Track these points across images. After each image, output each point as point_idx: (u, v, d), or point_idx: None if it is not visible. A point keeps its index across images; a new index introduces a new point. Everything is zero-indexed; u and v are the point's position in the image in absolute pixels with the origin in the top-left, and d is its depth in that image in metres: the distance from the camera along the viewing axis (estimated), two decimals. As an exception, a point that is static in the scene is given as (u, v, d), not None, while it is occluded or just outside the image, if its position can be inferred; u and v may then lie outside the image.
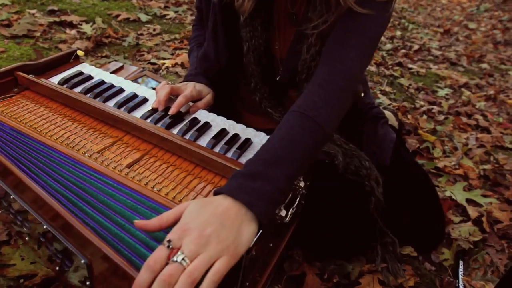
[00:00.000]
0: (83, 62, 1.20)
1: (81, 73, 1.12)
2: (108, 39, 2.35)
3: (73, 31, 2.34)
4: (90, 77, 1.11)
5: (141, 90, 1.07)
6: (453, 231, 1.32)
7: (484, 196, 1.56)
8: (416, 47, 3.34)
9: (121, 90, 1.06)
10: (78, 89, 1.04)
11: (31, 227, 0.79)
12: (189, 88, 1.05)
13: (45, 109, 0.98)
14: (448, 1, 6.05)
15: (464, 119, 2.19)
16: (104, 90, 1.04)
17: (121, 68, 1.97)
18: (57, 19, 2.45)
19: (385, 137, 1.22)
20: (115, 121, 0.93)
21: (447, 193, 1.53)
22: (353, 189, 1.07)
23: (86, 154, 0.83)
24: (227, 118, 1.03)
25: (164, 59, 2.21)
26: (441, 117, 2.14)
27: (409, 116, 2.03)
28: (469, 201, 1.51)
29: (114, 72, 1.95)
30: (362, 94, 1.25)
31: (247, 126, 1.23)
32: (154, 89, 1.82)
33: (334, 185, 1.07)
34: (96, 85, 1.06)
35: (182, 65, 2.14)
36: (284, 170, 0.68)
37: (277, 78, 1.10)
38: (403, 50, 3.18)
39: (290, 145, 0.71)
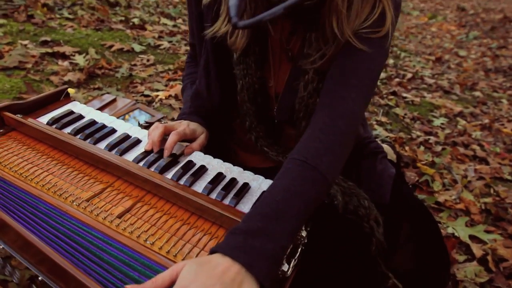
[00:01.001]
0: (74, 100, 1.16)
1: (71, 112, 1.08)
2: (101, 70, 2.32)
3: (66, 63, 2.31)
4: (80, 117, 1.07)
5: (134, 130, 1.03)
6: (458, 272, 1.27)
7: (487, 232, 1.52)
8: (409, 75, 3.36)
9: (113, 131, 1.02)
10: (68, 129, 1.00)
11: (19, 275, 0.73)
12: (183, 125, 1.01)
13: (32, 152, 0.94)
14: (437, 29, 6.16)
15: (462, 150, 2.17)
16: (95, 131, 1.00)
17: (114, 100, 1.94)
18: (49, 50, 2.43)
19: (384, 173, 1.18)
20: (106, 165, 0.88)
21: (450, 230, 1.48)
22: (352, 230, 1.02)
23: (75, 203, 0.78)
24: (222, 157, 0.99)
25: (157, 90, 2.19)
26: (439, 148, 2.12)
27: (407, 148, 2.01)
28: (472, 237, 1.47)
29: (106, 105, 1.91)
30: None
31: (243, 164, 1.18)
32: (146, 124, 1.79)
33: (333, 226, 1.02)
34: (86, 126, 1.02)
35: (176, 97, 2.11)
36: (286, 225, 0.64)
37: (274, 117, 1.06)
38: (397, 79, 3.19)
39: (291, 197, 0.67)
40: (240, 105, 1.06)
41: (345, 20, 0.81)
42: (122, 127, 1.05)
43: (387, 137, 2.06)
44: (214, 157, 1.05)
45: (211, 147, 1.12)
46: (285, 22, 0.93)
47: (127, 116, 1.71)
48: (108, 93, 2.05)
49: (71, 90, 1.18)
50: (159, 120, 1.86)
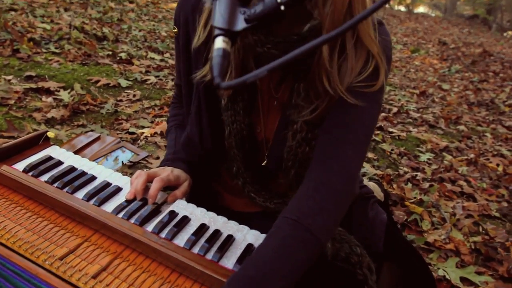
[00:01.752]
0: (54, 144, 1.13)
1: (49, 158, 1.03)
2: (86, 107, 2.29)
3: (50, 99, 2.28)
4: (59, 163, 1.03)
5: (115, 177, 1.00)
6: (451, 319, 1.23)
7: (478, 273, 1.49)
8: (395, 109, 3.40)
9: (93, 178, 0.98)
10: (45, 177, 0.96)
11: None
12: (166, 171, 0.98)
13: (5, 202, 0.89)
14: (421, 63, 6.32)
15: (449, 186, 2.17)
16: (73, 179, 0.96)
17: (98, 139, 1.91)
18: (33, 86, 2.40)
19: (376, 219, 1.16)
20: (83, 218, 0.84)
21: (440, 272, 1.45)
22: (344, 278, 0.98)
23: (47, 262, 0.73)
24: (208, 200, 0.95)
25: (143, 127, 2.16)
26: (426, 185, 2.12)
27: (395, 186, 2.00)
28: (463, 279, 1.44)
29: (90, 143, 1.88)
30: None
31: (229, 208, 1.15)
32: (130, 163, 1.75)
33: (323, 274, 0.99)
34: (65, 173, 0.98)
35: (162, 134, 2.08)
36: (271, 289, 0.60)
37: (263, 164, 1.04)
38: (383, 114, 3.22)
39: (280, 259, 0.64)
40: (227, 151, 1.04)
41: (336, 77, 0.80)
42: (103, 173, 1.01)
43: (374, 174, 2.05)
44: (200, 200, 1.02)
45: (197, 190, 1.10)
46: (274, 72, 0.92)
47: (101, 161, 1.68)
48: (92, 130, 2.02)
49: (50, 134, 1.14)
50: (143, 159, 1.83)
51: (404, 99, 3.92)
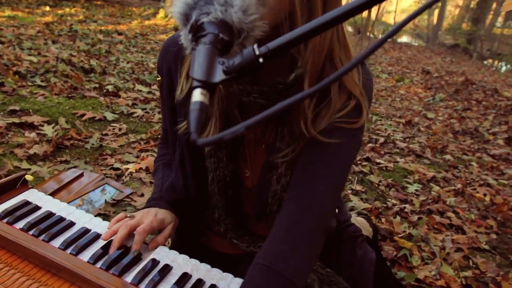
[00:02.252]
0: (32, 187, 1.09)
1: (26, 203, 1.00)
2: (70, 141, 2.25)
3: (33, 134, 2.24)
4: (36, 208, 0.99)
5: (94, 223, 0.96)
6: None
7: (471, 312, 1.46)
8: (381, 140, 3.43)
9: (71, 224, 0.94)
10: (21, 224, 0.92)
11: None
12: (149, 217, 0.95)
13: (-24, 253, 0.84)
14: (406, 91, 6.44)
15: (437, 218, 2.16)
16: (51, 225, 0.92)
17: (81, 175, 1.87)
18: (17, 120, 2.36)
19: (364, 259, 1.14)
20: (58, 270, 0.80)
21: (432, 311, 1.42)
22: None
23: (17, 320, 0.68)
24: (192, 239, 0.92)
25: (128, 163, 2.12)
26: (415, 217, 2.10)
27: (383, 220, 1.98)
28: (456, 319, 1.40)
29: (73, 180, 1.84)
30: (337, 210, 1.19)
31: (215, 250, 1.12)
32: (114, 201, 1.70)
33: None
34: (42, 219, 0.94)
35: (147, 169, 2.05)
36: None
37: (246, 210, 1.02)
38: (370, 144, 3.24)
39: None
40: (209, 197, 1.02)
41: (310, 121, 0.80)
42: (82, 219, 0.97)
43: (363, 209, 2.03)
44: (186, 238, 0.99)
45: (183, 229, 1.07)
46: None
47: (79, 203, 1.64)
48: (75, 166, 1.98)
49: (29, 177, 1.11)
50: (127, 196, 1.79)
51: (390, 128, 3.96)
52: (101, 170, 2.00)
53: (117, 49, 5.25)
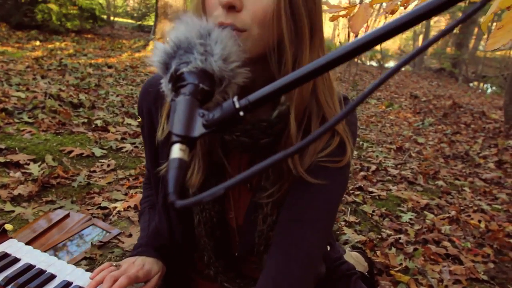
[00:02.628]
0: (11, 237, 1.04)
1: (5, 255, 0.95)
2: (57, 180, 2.20)
3: (18, 173, 2.19)
4: (15, 260, 0.94)
5: (76, 275, 0.91)
6: None
7: None
8: (373, 167, 3.41)
9: (52, 277, 0.90)
10: (-2, 279, 0.87)
11: None
12: (136, 267, 0.91)
13: None
14: (395, 117, 6.50)
15: (433, 248, 2.12)
16: (30, 279, 0.87)
17: (67, 216, 1.81)
18: (1, 160, 2.31)
19: (359, 299, 1.10)
20: (35, 331, 0.74)
21: None
22: None
23: None
24: (181, 286, 0.87)
25: (116, 201, 2.07)
26: (410, 249, 2.06)
27: (378, 252, 1.93)
28: None
29: (58, 222, 1.78)
30: (328, 248, 1.15)
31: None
32: (100, 243, 1.64)
33: None
34: (21, 272, 0.89)
35: (136, 207, 2.00)
36: None
37: (235, 251, 0.98)
38: (362, 172, 3.22)
39: None
40: (197, 240, 0.98)
41: (297, 158, 0.78)
42: (63, 271, 0.92)
43: (358, 241, 1.99)
44: (174, 286, 0.94)
45: (170, 277, 1.03)
46: (243, 155, 0.90)
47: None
48: (61, 207, 1.92)
49: (8, 226, 1.06)
50: (115, 237, 1.73)
51: (381, 155, 3.96)
52: (88, 209, 1.94)
53: (107, 83, 5.26)
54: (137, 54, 8.45)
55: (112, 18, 16.76)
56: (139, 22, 16.46)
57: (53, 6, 9.57)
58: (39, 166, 2.32)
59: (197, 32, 0.60)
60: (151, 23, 14.31)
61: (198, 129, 0.51)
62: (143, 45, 9.79)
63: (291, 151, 0.42)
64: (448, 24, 0.41)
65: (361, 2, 1.31)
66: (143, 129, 0.97)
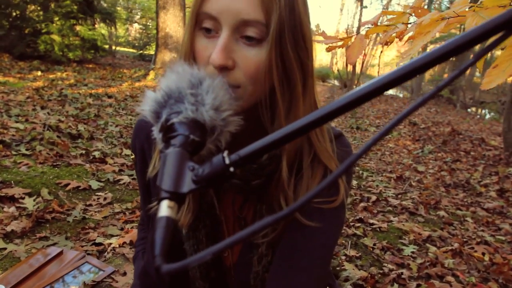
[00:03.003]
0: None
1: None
2: (51, 215, 2.17)
3: (12, 208, 2.16)
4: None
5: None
6: None
7: None
8: (373, 197, 3.38)
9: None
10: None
11: None
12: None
13: None
14: (395, 145, 6.50)
15: (437, 283, 2.06)
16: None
17: (60, 254, 1.77)
18: (-3, 194, 2.28)
19: None
20: None
21: None
22: None
23: None
24: None
25: (111, 236, 2.03)
26: (413, 284, 2.00)
27: (381, 290, 1.88)
28: None
29: (51, 259, 1.74)
30: (328, 289, 1.11)
31: None
32: (93, 282, 1.59)
33: None
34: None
35: (131, 243, 1.95)
36: None
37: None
38: (362, 204, 3.18)
39: None
40: (191, 282, 0.95)
41: (292, 197, 0.77)
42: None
43: (359, 278, 1.93)
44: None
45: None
46: (236, 194, 0.88)
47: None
48: (55, 243, 1.88)
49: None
50: (109, 276, 1.68)
51: (382, 184, 3.92)
52: (82, 246, 1.90)
53: (106, 113, 5.28)
54: (137, 84, 8.53)
55: (114, 47, 17.08)
56: (141, 52, 16.77)
57: (56, 37, 9.76)
58: (34, 200, 2.29)
59: (188, 81, 0.59)
60: (152, 52, 14.56)
61: (188, 185, 0.49)
62: (143, 75, 9.92)
63: (294, 207, 0.40)
64: (443, 80, 0.40)
65: (358, 33, 1.31)
66: (136, 166, 0.96)
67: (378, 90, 0.39)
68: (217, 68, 0.66)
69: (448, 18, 1.00)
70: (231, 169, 0.48)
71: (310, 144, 0.78)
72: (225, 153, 0.48)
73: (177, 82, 0.59)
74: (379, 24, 1.23)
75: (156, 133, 0.60)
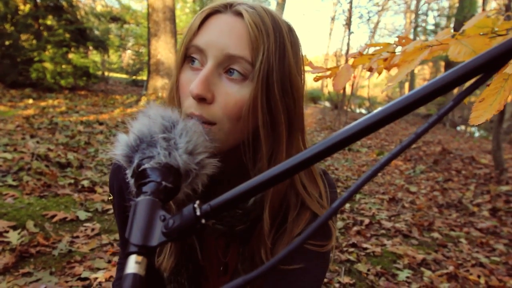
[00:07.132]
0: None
1: None
2: (36, 248, 2.11)
3: (-4, 243, 2.10)
4: None
5: None
6: None
7: None
8: (366, 220, 3.35)
9: None
10: None
11: None
12: None
13: None
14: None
15: (433, 310, 2.02)
16: None
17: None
18: (-20, 229, 2.22)
19: None
20: None
21: None
22: None
23: None
24: None
25: (98, 270, 1.98)
26: (409, 312, 1.96)
27: (375, 319, 1.83)
28: None
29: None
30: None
31: None
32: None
33: None
34: None
35: (118, 277, 1.90)
36: None
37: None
38: (355, 228, 3.15)
39: None
40: None
41: (270, 250, 0.74)
42: None
43: (352, 308, 1.89)
44: None
45: None
46: (219, 239, 0.86)
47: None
48: (38, 280, 1.82)
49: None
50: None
51: (374, 207, 3.90)
52: (67, 281, 1.84)
53: (97, 140, 5.24)
54: (129, 110, 8.52)
55: (106, 73, 17.14)
56: (133, 77, 16.83)
57: (48, 65, 9.78)
58: (19, 233, 2.23)
59: (161, 125, 0.58)
60: (145, 77, 14.62)
61: (157, 237, 0.47)
62: (135, 101, 9.93)
63: (280, 257, 0.38)
64: (420, 126, 0.39)
65: (346, 58, 1.33)
66: (114, 207, 0.93)
67: (368, 128, 0.39)
68: (195, 98, 0.64)
69: (432, 46, 1.01)
70: (203, 221, 0.47)
71: (296, 194, 0.76)
72: (197, 204, 0.46)
73: (149, 126, 0.58)
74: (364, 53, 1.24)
75: (129, 178, 0.58)
